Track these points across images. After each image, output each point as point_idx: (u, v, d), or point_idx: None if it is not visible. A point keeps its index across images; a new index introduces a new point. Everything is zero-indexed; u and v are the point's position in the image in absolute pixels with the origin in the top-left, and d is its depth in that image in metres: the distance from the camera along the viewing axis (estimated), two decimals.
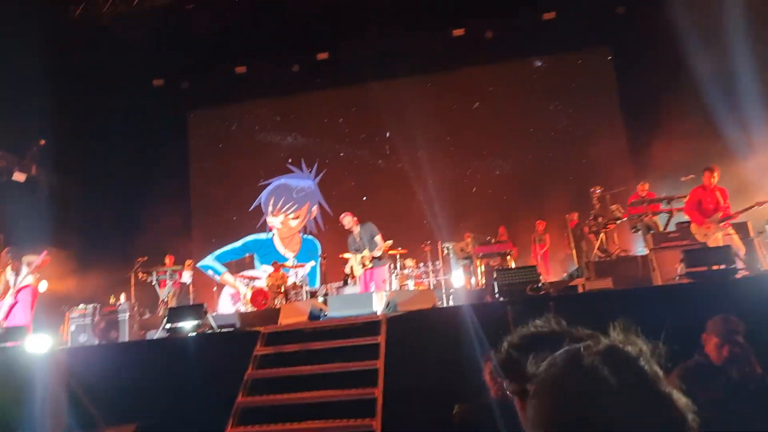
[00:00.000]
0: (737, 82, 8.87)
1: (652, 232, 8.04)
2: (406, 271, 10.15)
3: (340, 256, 9.15)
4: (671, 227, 8.18)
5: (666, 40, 9.64)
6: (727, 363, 3.20)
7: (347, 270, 8.66)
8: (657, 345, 0.83)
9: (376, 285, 7.79)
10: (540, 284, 5.75)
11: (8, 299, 7.27)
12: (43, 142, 11.38)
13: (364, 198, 13.23)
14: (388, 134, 13.30)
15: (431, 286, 9.48)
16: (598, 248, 9.26)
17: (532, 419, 0.82)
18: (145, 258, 10.24)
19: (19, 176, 10.62)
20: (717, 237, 6.82)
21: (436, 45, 12.77)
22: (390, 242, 8.43)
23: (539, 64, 13.06)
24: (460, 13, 12.08)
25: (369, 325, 5.40)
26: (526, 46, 12.68)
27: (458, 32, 12.22)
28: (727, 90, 8.96)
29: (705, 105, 9.04)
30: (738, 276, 5.32)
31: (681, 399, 0.76)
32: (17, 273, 7.39)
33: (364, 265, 7.93)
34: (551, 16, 11.71)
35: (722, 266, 5.24)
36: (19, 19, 10.00)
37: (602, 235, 9.28)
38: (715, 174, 7.22)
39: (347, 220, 8.34)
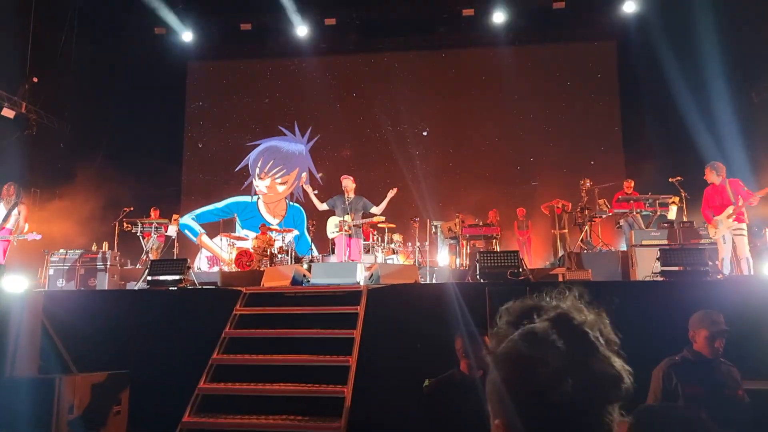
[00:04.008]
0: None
1: (633, 229, 8.14)
2: (392, 246, 10.22)
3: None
4: (653, 226, 8.28)
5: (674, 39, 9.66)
6: (718, 356, 3.20)
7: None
8: (601, 316, 0.87)
9: (353, 255, 7.80)
10: (521, 269, 5.80)
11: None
12: (35, 79, 11.15)
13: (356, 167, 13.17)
14: (386, 106, 13.15)
15: (416, 263, 9.54)
16: (582, 240, 9.37)
17: (489, 393, 0.85)
18: (131, 208, 10.13)
19: (8, 112, 10.41)
20: (724, 235, 6.68)
21: (444, 21, 12.67)
22: (382, 218, 8.45)
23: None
24: None
25: (350, 295, 5.44)
26: (533, 32, 12.66)
27: (467, 12, 12.11)
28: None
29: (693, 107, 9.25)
30: (708, 278, 5.41)
31: (617, 361, 0.81)
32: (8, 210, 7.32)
33: (341, 229, 7.84)
34: (560, 6, 11.85)
35: (692, 268, 5.35)
36: None
37: (587, 227, 9.38)
38: (713, 170, 6.96)
39: (349, 181, 8.00)
